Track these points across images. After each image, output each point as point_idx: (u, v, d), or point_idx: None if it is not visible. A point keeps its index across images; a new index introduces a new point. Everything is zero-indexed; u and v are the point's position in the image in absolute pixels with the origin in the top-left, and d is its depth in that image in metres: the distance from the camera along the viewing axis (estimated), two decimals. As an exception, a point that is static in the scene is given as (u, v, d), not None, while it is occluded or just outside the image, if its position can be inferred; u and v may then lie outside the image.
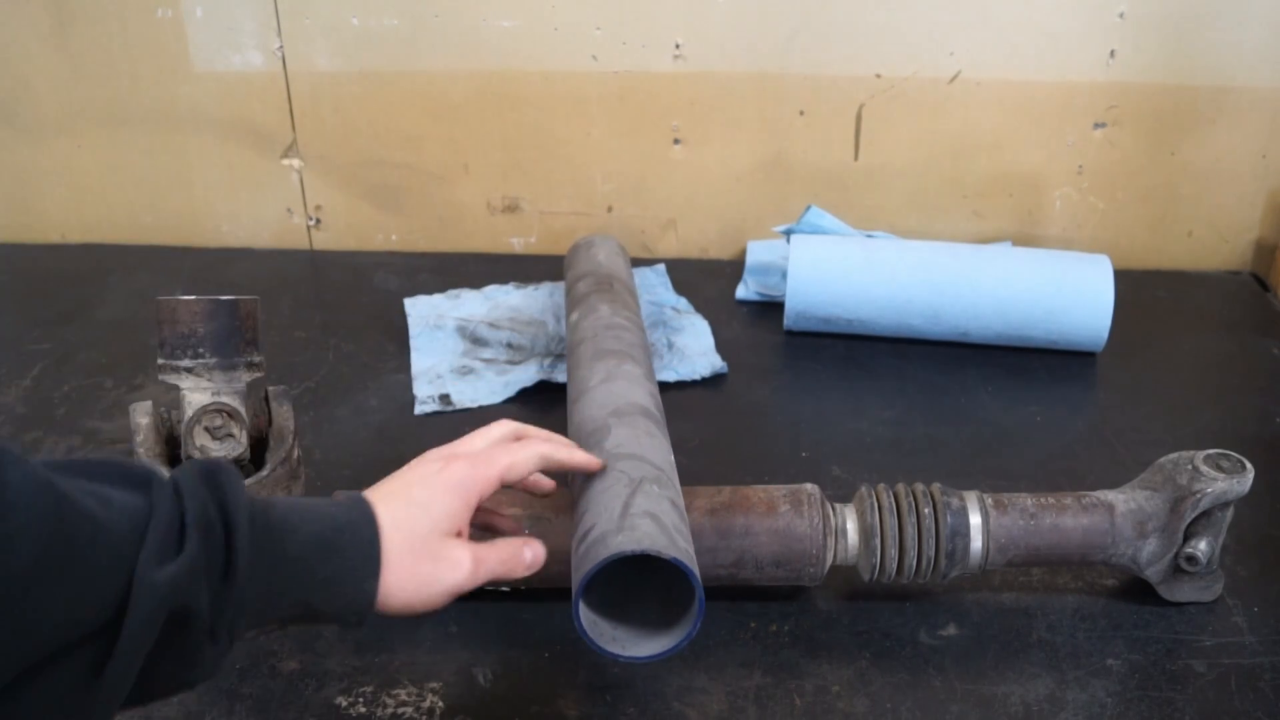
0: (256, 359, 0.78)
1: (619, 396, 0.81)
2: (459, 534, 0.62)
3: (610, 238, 1.20)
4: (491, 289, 1.24)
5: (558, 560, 0.69)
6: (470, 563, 0.60)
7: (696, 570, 0.64)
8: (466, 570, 0.60)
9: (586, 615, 0.65)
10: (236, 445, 0.76)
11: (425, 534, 0.59)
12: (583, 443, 0.77)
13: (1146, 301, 1.23)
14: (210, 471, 0.54)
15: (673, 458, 0.77)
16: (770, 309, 1.22)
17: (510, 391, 1.05)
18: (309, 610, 0.56)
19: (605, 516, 0.66)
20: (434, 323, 1.16)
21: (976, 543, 0.76)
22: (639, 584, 0.69)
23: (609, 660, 0.66)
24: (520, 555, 0.64)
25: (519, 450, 0.66)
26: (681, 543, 0.65)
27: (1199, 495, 0.75)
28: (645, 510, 0.66)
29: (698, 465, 0.96)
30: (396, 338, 1.16)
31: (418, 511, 0.60)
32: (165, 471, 0.55)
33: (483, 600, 0.77)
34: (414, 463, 0.64)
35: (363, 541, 0.57)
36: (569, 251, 1.20)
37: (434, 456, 0.65)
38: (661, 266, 1.31)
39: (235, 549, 0.52)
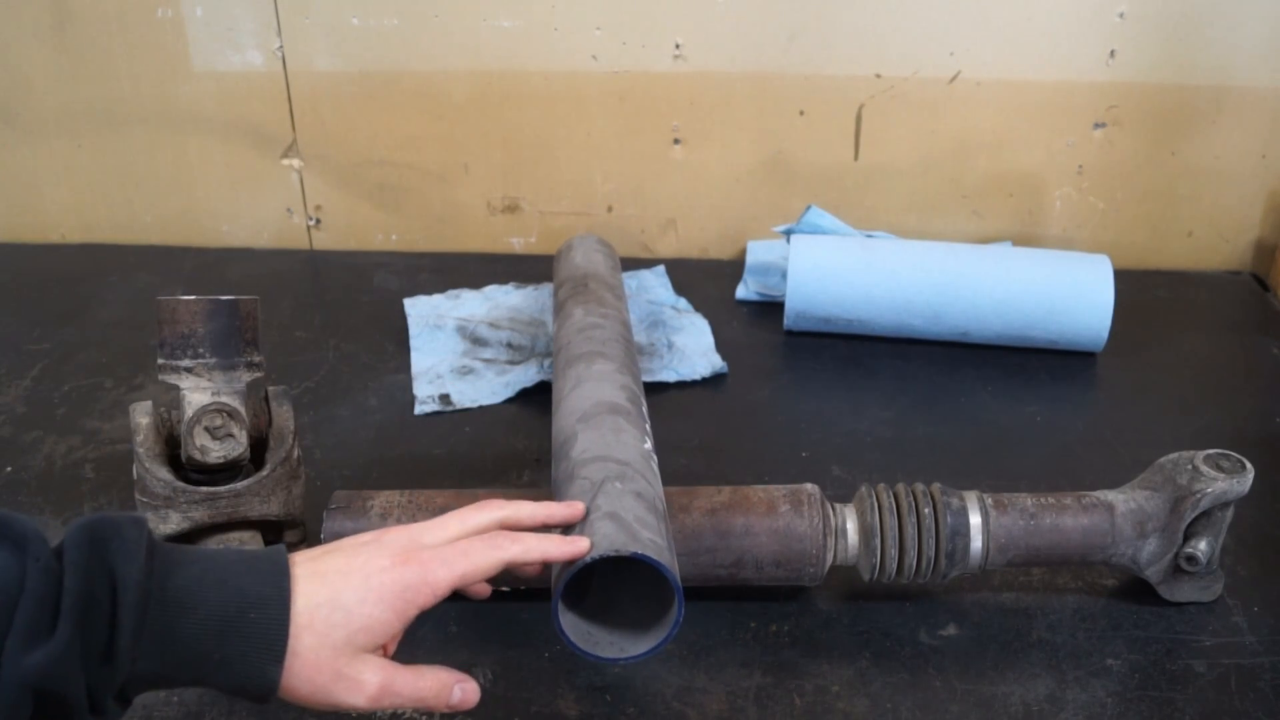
0: (256, 359, 0.78)
1: (586, 399, 0.81)
2: (383, 648, 0.57)
3: (589, 236, 1.20)
4: (491, 289, 1.24)
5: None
6: (375, 689, 0.54)
7: (665, 558, 0.63)
8: (368, 696, 0.54)
9: (575, 626, 0.65)
10: (236, 445, 0.76)
11: (337, 644, 0.53)
12: (557, 454, 0.76)
13: (1146, 301, 1.23)
14: (101, 536, 0.50)
15: (648, 445, 0.76)
16: (770, 309, 1.22)
17: (510, 392, 1.05)
18: (207, 685, 0.52)
19: (570, 527, 0.66)
20: (434, 323, 1.16)
21: (976, 543, 0.76)
22: (625, 580, 0.68)
23: (607, 663, 0.66)
24: (446, 693, 0.58)
25: (482, 555, 0.59)
26: (645, 534, 0.64)
27: (1199, 495, 0.75)
28: (606, 511, 0.66)
29: (698, 465, 0.96)
30: (396, 338, 1.16)
31: (339, 616, 0.54)
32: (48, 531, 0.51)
33: (483, 600, 0.76)
34: (368, 542, 0.58)
35: (269, 623, 0.52)
36: (553, 261, 1.19)
37: (390, 545, 0.58)
38: (661, 267, 1.31)
39: (118, 629, 0.48)
